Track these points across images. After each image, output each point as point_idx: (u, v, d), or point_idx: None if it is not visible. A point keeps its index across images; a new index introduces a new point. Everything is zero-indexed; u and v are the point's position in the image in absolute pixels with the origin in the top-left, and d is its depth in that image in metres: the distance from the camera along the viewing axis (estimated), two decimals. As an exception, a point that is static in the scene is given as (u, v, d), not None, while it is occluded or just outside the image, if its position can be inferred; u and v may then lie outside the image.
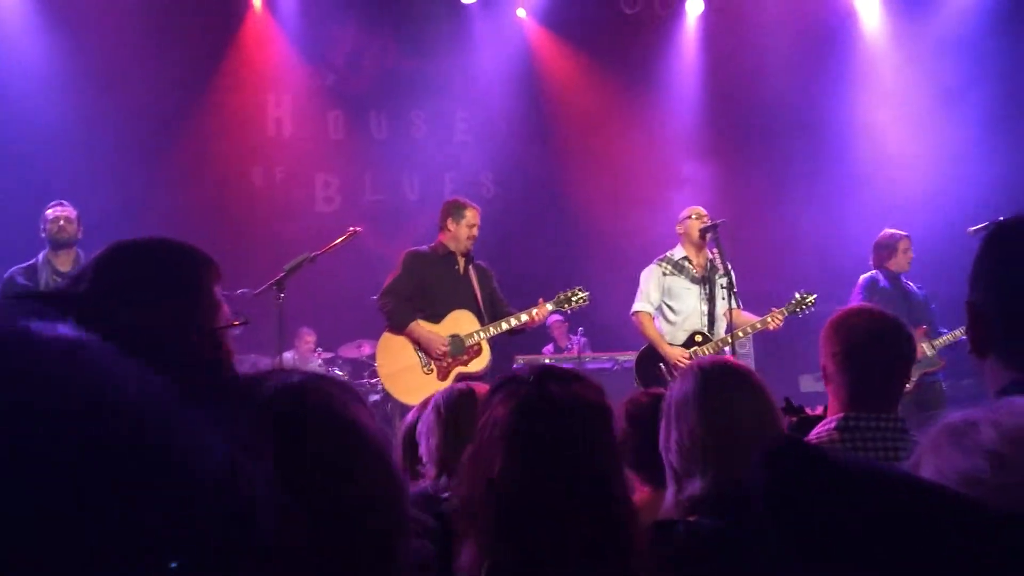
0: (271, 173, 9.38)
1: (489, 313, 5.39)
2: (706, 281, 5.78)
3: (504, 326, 5.28)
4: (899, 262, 6.28)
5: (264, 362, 7.43)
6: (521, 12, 9.61)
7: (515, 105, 9.63)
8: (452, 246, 5.39)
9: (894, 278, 6.29)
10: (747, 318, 5.72)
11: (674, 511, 1.81)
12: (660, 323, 5.80)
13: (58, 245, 5.22)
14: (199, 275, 1.43)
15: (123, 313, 1.31)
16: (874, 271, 6.36)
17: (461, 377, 5.03)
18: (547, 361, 7.47)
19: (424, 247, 5.48)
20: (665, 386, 5.44)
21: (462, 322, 5.30)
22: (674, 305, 5.76)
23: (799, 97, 9.30)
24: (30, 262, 5.29)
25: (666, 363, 5.56)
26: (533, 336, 7.98)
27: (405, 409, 5.23)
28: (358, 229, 5.29)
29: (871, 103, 9.30)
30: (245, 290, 6.43)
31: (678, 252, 5.87)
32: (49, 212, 5.31)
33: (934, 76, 8.93)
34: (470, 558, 1.35)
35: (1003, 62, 8.75)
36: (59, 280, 5.20)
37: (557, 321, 8.73)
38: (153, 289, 1.38)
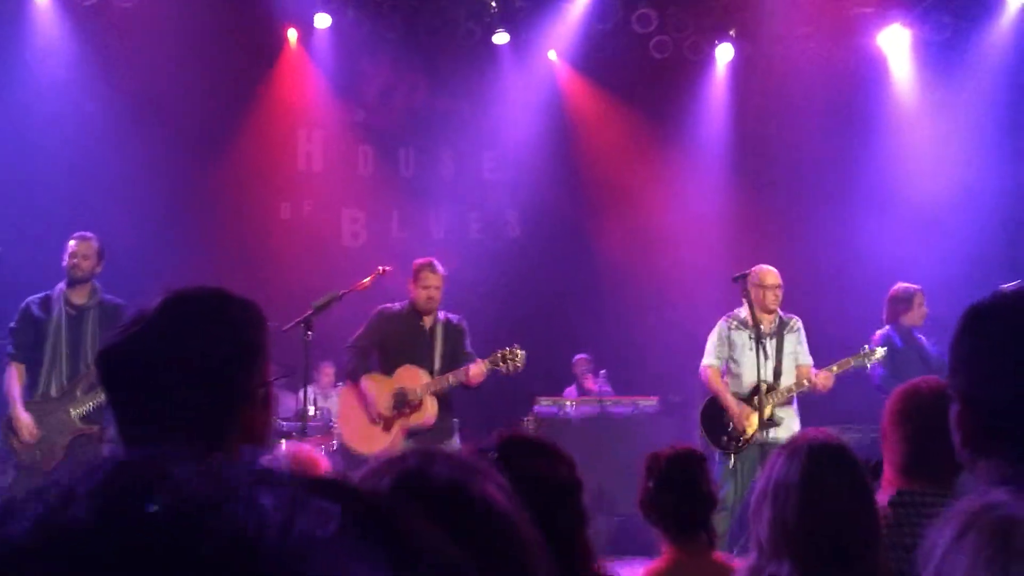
0: (299, 207, 9.45)
1: (447, 368, 5.66)
2: (773, 336, 5.87)
3: (443, 383, 5.53)
4: (914, 316, 6.18)
5: (287, 396, 7.44)
6: (552, 54, 9.69)
7: (543, 146, 9.67)
8: (415, 305, 5.71)
9: (907, 335, 6.18)
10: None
11: None
12: (726, 377, 5.96)
13: (73, 281, 5.18)
14: (261, 332, 1.42)
15: (188, 377, 1.31)
16: (888, 328, 6.23)
17: (405, 429, 5.49)
18: (569, 403, 7.40)
19: (396, 304, 5.83)
20: (731, 440, 5.55)
21: (408, 377, 5.60)
22: (737, 358, 5.90)
23: (828, 145, 9.28)
24: (46, 293, 5.22)
25: (730, 415, 5.74)
26: (557, 377, 7.92)
27: (356, 457, 5.43)
28: (387, 268, 5.32)
29: (900, 151, 9.26)
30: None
31: (743, 311, 5.90)
32: (70, 244, 5.21)
33: (965, 125, 8.88)
34: None
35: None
36: (73, 312, 5.17)
37: (582, 359, 8.68)
38: (221, 349, 1.36)
